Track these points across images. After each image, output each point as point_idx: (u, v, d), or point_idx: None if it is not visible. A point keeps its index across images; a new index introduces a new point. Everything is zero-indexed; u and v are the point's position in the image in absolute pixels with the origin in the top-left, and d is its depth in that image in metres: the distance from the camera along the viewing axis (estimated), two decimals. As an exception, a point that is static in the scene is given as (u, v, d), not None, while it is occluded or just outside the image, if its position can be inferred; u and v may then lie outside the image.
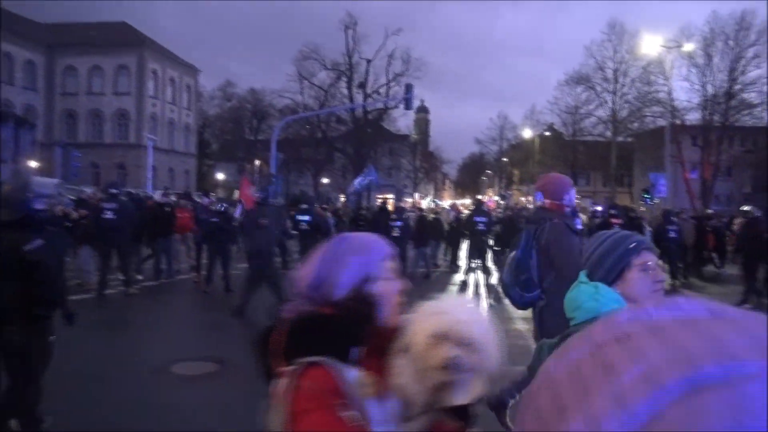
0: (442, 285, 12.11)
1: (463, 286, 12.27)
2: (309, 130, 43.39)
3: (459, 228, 14.07)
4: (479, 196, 29.11)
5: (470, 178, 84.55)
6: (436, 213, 17.22)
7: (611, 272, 1.69)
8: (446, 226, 15.13)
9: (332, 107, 41.22)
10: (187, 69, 50.61)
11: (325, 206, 15.30)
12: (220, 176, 50.48)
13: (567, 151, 43.76)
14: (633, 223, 11.86)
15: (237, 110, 49.05)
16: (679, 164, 36.46)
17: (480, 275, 12.55)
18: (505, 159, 60.38)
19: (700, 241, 14.00)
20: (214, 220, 10.20)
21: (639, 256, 1.68)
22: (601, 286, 1.65)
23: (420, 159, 61.85)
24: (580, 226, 5.62)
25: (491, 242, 14.65)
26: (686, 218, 14.55)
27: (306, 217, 12.48)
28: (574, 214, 4.27)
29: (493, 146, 61.87)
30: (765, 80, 33.82)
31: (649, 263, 1.69)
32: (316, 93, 43.60)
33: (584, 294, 1.66)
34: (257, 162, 43.28)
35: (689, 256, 13.53)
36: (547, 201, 3.78)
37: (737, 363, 0.28)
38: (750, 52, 34.20)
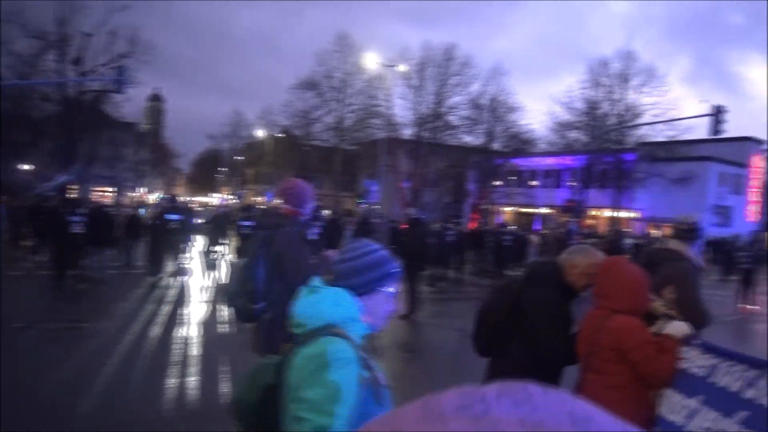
0: (128, 288, 10.88)
1: (152, 288, 11.25)
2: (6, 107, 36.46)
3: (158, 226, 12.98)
4: (172, 193, 27.74)
5: (205, 174, 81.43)
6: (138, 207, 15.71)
7: (366, 287, 1.66)
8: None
9: (34, 81, 35.31)
10: None
11: None
12: None
13: (298, 154, 44.84)
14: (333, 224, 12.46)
15: None
16: (394, 173, 40.22)
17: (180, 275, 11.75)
18: (239, 157, 59.45)
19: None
20: None
21: (392, 282, 1.71)
22: (343, 292, 1.62)
23: (149, 151, 57.20)
24: (315, 236, 5.35)
25: (206, 242, 14.01)
26: (384, 222, 15.83)
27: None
28: (310, 224, 3.90)
29: (226, 143, 60.42)
30: (464, 106, 39.39)
31: (395, 292, 1.74)
32: (14, 62, 36.87)
33: (326, 300, 1.60)
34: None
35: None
36: (286, 207, 3.56)
37: None
38: (453, 80, 39.37)
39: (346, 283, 1.66)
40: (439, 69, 39.12)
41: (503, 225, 18.41)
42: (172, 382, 5.84)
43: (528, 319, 3.06)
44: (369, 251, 1.71)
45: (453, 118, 39.83)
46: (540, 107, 56.12)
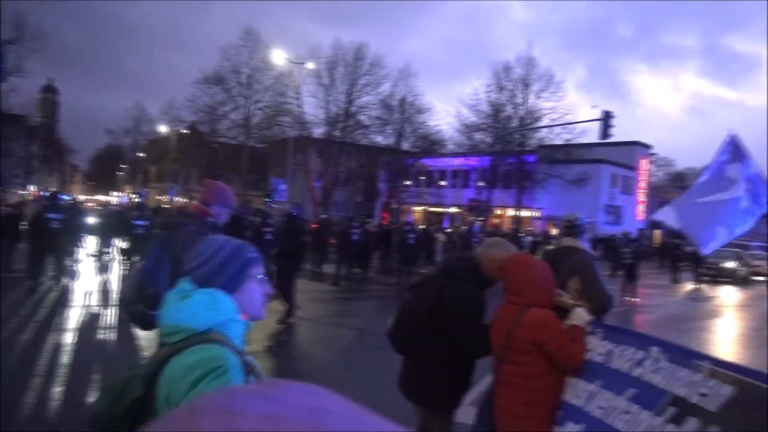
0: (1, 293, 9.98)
1: (30, 293, 10.40)
2: None
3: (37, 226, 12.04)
4: (53, 190, 26.13)
5: (104, 172, 76.86)
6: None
7: (234, 281, 1.58)
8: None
9: None
10: None
11: None
12: None
13: (204, 151, 43.35)
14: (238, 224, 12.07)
15: None
16: (305, 173, 39.84)
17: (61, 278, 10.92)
18: (141, 154, 56.60)
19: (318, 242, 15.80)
20: None
21: (256, 267, 1.65)
22: (219, 294, 1.53)
23: (41, 145, 53.25)
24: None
25: (98, 243, 13.24)
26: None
27: None
28: (217, 227, 3.59)
29: (127, 139, 57.35)
30: (374, 106, 39.67)
31: (263, 275, 1.68)
32: None
33: (200, 304, 1.51)
34: None
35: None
36: (195, 205, 3.42)
37: None
38: (364, 80, 39.55)
39: (216, 283, 1.57)
40: (350, 68, 39.21)
41: (408, 223, 18.63)
42: (33, 393, 5.38)
43: (450, 315, 3.11)
44: (219, 247, 1.62)
45: (363, 118, 40.05)
46: (448, 109, 57.50)
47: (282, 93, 39.00)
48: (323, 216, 24.51)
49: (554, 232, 38.08)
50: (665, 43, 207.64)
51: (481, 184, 39.72)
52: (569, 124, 32.33)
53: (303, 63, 32.70)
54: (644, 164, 45.36)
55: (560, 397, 2.80)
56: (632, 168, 43.68)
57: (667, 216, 5.54)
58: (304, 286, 13.77)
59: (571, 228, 4.20)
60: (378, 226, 20.56)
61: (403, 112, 39.49)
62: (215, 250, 1.61)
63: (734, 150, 5.46)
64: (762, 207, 5.43)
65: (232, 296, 1.58)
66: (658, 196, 51.28)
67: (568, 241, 4.18)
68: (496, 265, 3.12)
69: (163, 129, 47.60)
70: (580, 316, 2.87)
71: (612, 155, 41.35)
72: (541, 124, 35.99)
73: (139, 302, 3.15)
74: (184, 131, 45.57)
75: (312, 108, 40.88)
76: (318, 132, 40.35)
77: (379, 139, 41.10)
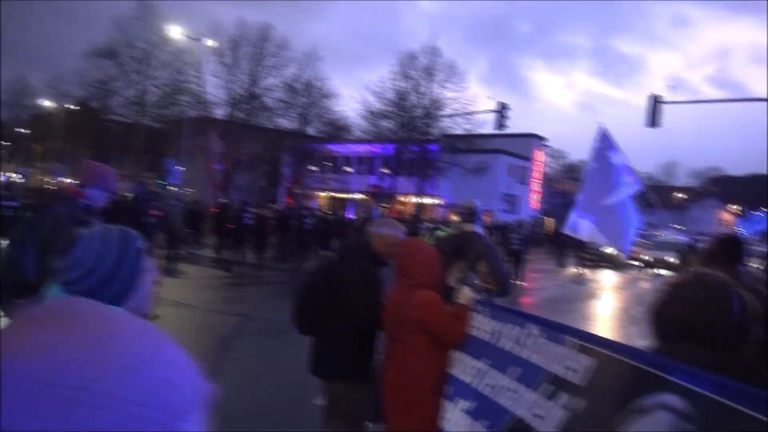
0: None
1: None
2: None
3: None
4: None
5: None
6: None
7: (127, 285, 1.34)
8: None
9: None
10: None
11: None
12: None
13: (95, 129, 40.61)
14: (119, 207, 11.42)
15: None
16: (205, 155, 38.39)
17: None
18: (24, 130, 52.10)
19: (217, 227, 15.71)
20: None
21: (144, 257, 1.42)
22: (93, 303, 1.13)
23: None
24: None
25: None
26: (176, 204, 14.99)
27: None
28: (92, 210, 3.25)
29: (6, 113, 52.52)
30: (279, 88, 38.81)
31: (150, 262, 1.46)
32: None
33: None
34: None
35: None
36: (70, 186, 3.00)
37: None
38: (269, 62, 38.53)
39: (112, 289, 1.33)
40: (254, 48, 38.04)
41: (306, 208, 18.47)
42: None
43: (344, 289, 3.28)
44: (101, 249, 1.35)
45: (268, 100, 39.08)
46: (354, 95, 57.48)
47: (181, 71, 37.21)
48: (222, 200, 23.77)
49: (454, 218, 39.34)
50: (560, 41, 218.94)
51: (385, 171, 40.14)
52: (468, 114, 33.37)
53: (203, 40, 31.34)
54: (539, 156, 47.77)
55: (444, 372, 2.98)
56: (528, 159, 45.88)
57: (575, 227, 6.00)
58: (196, 272, 13.34)
59: (467, 215, 4.45)
60: (276, 211, 20.21)
61: (308, 96, 38.97)
62: (99, 254, 1.35)
63: (606, 140, 6.10)
64: (630, 190, 6.03)
65: (126, 300, 1.36)
66: (552, 186, 54.28)
67: (467, 227, 4.43)
68: (385, 242, 3.35)
69: (48, 104, 43.98)
70: (466, 295, 3.07)
71: (510, 146, 43.18)
72: (444, 113, 36.85)
73: (5, 290, 2.90)
74: (73, 107, 42.39)
75: (213, 88, 39.39)
76: (219, 113, 38.98)
77: (284, 123, 40.37)
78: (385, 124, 38.49)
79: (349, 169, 46.22)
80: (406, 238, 3.46)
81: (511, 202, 43.30)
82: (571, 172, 67.45)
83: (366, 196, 41.68)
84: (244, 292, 12.26)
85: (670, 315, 1.84)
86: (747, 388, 1.49)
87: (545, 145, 49.26)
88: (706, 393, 1.56)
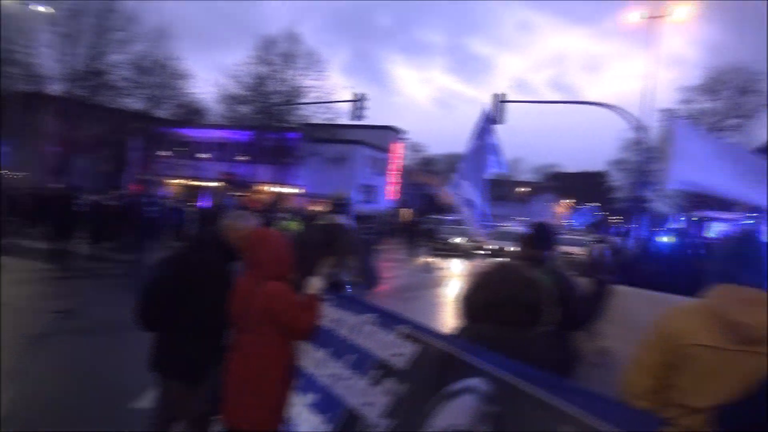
0: None
1: None
2: None
3: None
4: None
5: None
6: None
7: None
8: None
9: None
10: None
11: None
12: None
13: None
14: None
15: None
16: (38, 135, 34.58)
17: None
18: None
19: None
20: None
21: None
22: None
23: None
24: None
25: None
26: None
27: None
28: None
29: None
30: (126, 66, 35.95)
31: None
32: None
33: None
34: None
35: None
36: None
37: None
38: (115, 36, 35.49)
39: None
40: (98, 20, 34.85)
41: (153, 195, 17.35)
42: None
43: (194, 282, 3.17)
44: None
45: (112, 78, 36.08)
46: (210, 77, 55.03)
47: (8, 39, 33.04)
48: (54, 185, 21.58)
49: (315, 209, 39.30)
50: (418, 38, 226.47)
51: (242, 158, 39.01)
52: (325, 102, 33.45)
53: (33, 4, 28.04)
54: (397, 148, 49.22)
55: (293, 365, 3.02)
56: (386, 151, 47.10)
57: (457, 186, 6.37)
58: (16, 266, 11.93)
59: (340, 206, 4.47)
60: (119, 197, 18.72)
61: (159, 76, 36.58)
62: None
63: (486, 121, 6.85)
64: (494, 168, 6.78)
65: None
66: (409, 178, 56.35)
67: (335, 219, 4.42)
68: (238, 235, 3.27)
69: None
70: (315, 285, 3.13)
71: (369, 138, 44.00)
72: (304, 101, 36.55)
73: None
74: None
75: (49, 61, 35.46)
76: (56, 89, 35.24)
77: (131, 104, 37.53)
78: (243, 109, 37.33)
79: (204, 156, 44.17)
80: (257, 227, 3.39)
81: (370, 192, 44.19)
82: (428, 165, 70.44)
83: (222, 183, 40.19)
84: (71, 287, 11.21)
85: (476, 299, 2.07)
86: (540, 373, 1.67)
87: (403, 138, 50.86)
88: (506, 377, 1.71)
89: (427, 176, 59.32)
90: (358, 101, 22.64)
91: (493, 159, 6.75)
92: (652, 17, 24.01)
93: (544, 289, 2.06)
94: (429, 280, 17.63)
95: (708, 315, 1.99)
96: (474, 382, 1.79)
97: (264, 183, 40.02)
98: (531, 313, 2.00)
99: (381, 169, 46.87)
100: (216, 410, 3.09)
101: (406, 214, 40.30)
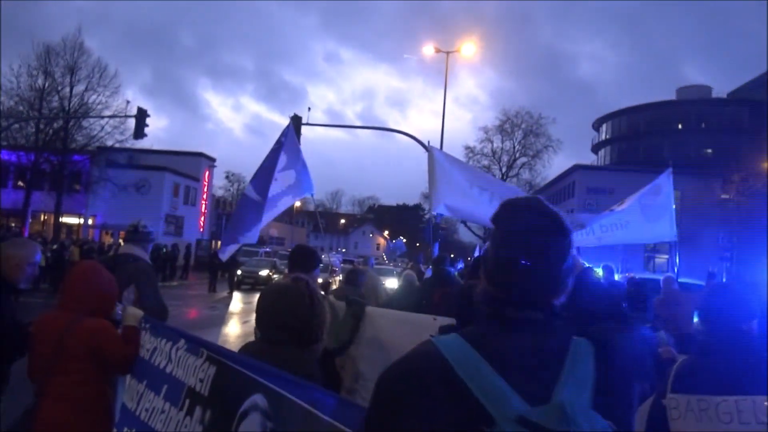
0: None
1: None
2: None
3: None
4: None
5: None
6: None
7: None
8: None
9: None
10: None
11: None
12: None
13: None
14: None
15: None
16: None
17: None
18: None
19: None
20: None
21: None
22: None
23: None
24: None
25: None
26: None
27: None
28: None
29: None
30: None
31: None
32: None
33: None
34: None
35: None
36: None
37: None
38: None
39: None
40: None
41: None
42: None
43: None
44: None
45: None
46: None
47: None
48: None
49: (109, 240, 34.75)
50: (225, 61, 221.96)
51: (21, 183, 33.36)
52: (103, 117, 30.05)
53: None
54: (207, 176, 46.10)
55: (109, 402, 2.86)
56: (197, 179, 43.80)
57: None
58: None
59: (135, 235, 4.21)
60: None
61: None
62: None
63: (292, 137, 6.56)
64: (304, 192, 6.70)
65: None
66: (220, 209, 53.29)
67: (128, 248, 4.17)
68: (14, 263, 3.06)
69: None
70: (134, 315, 2.95)
71: (177, 165, 40.62)
72: (96, 121, 32.31)
73: None
74: None
75: None
76: None
77: None
78: (18, 126, 31.71)
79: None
80: (82, 261, 3.39)
81: (176, 223, 40.48)
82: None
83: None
84: None
85: (266, 320, 2.20)
86: (312, 386, 1.68)
87: (214, 166, 47.82)
88: (283, 392, 1.72)
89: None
90: (140, 117, 19.99)
91: (303, 176, 6.53)
92: (446, 51, 25.34)
93: (318, 311, 2.18)
94: (215, 318, 16.00)
95: None
96: (258, 398, 1.80)
97: (47, 212, 34.56)
98: (307, 333, 2.15)
99: (190, 198, 43.39)
100: None
101: (215, 246, 37.48)
